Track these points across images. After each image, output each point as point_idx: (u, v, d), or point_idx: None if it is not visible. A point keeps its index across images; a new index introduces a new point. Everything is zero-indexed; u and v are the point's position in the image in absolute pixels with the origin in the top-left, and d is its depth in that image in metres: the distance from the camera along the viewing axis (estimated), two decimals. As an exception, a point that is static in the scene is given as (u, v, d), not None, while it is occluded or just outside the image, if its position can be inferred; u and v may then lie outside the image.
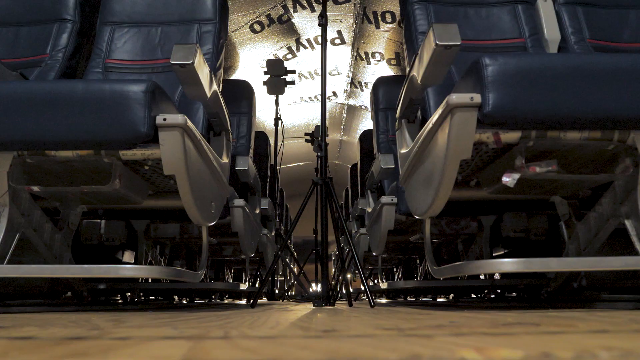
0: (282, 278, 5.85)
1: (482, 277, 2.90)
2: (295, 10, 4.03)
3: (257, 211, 2.92)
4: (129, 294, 3.05)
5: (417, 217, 1.83)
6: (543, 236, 2.36)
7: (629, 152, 1.40)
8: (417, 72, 1.47)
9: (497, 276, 2.82)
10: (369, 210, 2.94)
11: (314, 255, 3.46)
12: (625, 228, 1.49)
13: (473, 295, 3.85)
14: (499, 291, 3.26)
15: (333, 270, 4.76)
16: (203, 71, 1.50)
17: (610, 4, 2.18)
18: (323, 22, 2.59)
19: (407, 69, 1.77)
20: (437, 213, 1.60)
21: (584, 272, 2.05)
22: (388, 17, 4.01)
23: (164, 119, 1.40)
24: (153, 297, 3.64)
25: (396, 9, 3.90)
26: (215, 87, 1.68)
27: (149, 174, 1.74)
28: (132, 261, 2.85)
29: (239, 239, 2.44)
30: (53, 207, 1.92)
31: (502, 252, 2.84)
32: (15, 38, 2.25)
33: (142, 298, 3.34)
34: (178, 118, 1.41)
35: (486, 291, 3.20)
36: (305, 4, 3.96)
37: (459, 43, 1.25)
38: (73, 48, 2.25)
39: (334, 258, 6.11)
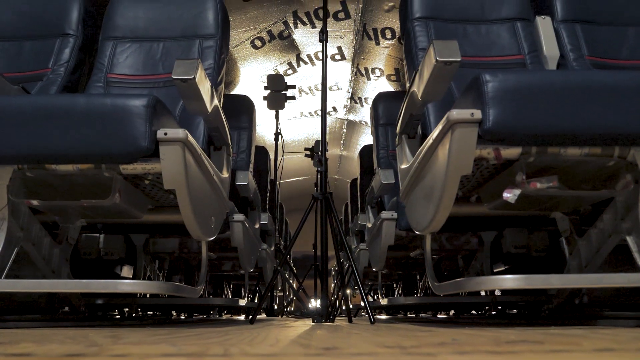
0: (282, 294, 5.81)
1: (482, 293, 2.88)
2: (296, 27, 4.06)
3: (257, 226, 2.91)
4: (127, 309, 3.03)
5: (417, 232, 1.82)
6: (544, 252, 2.35)
7: (630, 168, 1.40)
8: (418, 88, 1.48)
9: (497, 293, 2.80)
10: (369, 225, 2.93)
11: (313, 270, 3.43)
12: (626, 244, 1.49)
13: (474, 312, 3.82)
14: (499, 308, 3.24)
15: (333, 285, 4.73)
16: (204, 86, 1.51)
17: (608, 22, 2.20)
18: (324, 38, 2.61)
19: (407, 85, 1.78)
20: (437, 229, 1.60)
21: (586, 288, 2.04)
22: (388, 34, 4.04)
23: (165, 134, 1.40)
24: (151, 313, 3.61)
25: (396, 26, 3.93)
26: (216, 101, 1.69)
27: (149, 188, 1.74)
28: (131, 276, 2.83)
29: (239, 254, 2.43)
30: (52, 221, 1.92)
31: (502, 268, 2.83)
32: (18, 52, 2.26)
33: (140, 313, 3.31)
34: (179, 132, 1.41)
35: (487, 308, 3.18)
36: (305, 20, 3.99)
37: (459, 59, 1.26)
38: (75, 63, 2.26)
39: (333, 273, 6.08)
